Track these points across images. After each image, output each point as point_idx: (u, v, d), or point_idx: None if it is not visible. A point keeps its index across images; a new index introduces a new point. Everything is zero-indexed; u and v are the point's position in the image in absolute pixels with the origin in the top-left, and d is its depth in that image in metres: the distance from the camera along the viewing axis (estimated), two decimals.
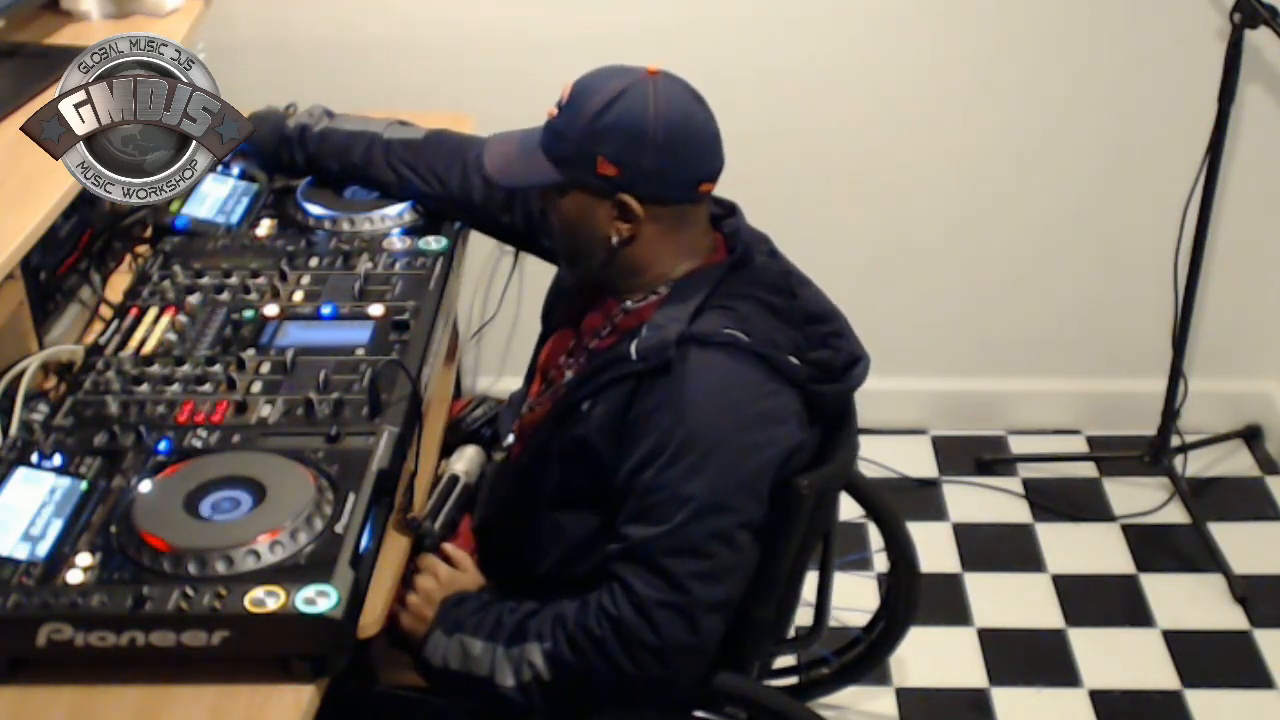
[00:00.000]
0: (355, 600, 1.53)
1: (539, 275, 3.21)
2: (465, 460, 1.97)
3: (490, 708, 1.70)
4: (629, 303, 1.77)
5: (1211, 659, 2.62)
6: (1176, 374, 2.89)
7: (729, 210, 1.84)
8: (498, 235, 2.22)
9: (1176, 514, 2.94)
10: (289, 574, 1.52)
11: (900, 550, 2.19)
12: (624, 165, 1.67)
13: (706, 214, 1.78)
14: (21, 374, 1.85)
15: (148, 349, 1.90)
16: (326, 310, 1.98)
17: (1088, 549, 2.89)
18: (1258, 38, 2.63)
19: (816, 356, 1.73)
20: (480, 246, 2.99)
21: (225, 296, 2.01)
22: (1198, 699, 2.53)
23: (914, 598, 2.22)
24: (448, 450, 2.03)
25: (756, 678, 1.94)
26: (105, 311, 2.11)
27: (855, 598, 2.60)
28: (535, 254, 2.18)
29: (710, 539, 1.62)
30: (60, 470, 1.67)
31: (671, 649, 1.62)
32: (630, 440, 1.65)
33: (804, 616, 2.11)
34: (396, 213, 2.19)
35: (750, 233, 1.82)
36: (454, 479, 1.93)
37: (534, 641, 1.66)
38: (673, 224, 1.73)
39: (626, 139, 1.66)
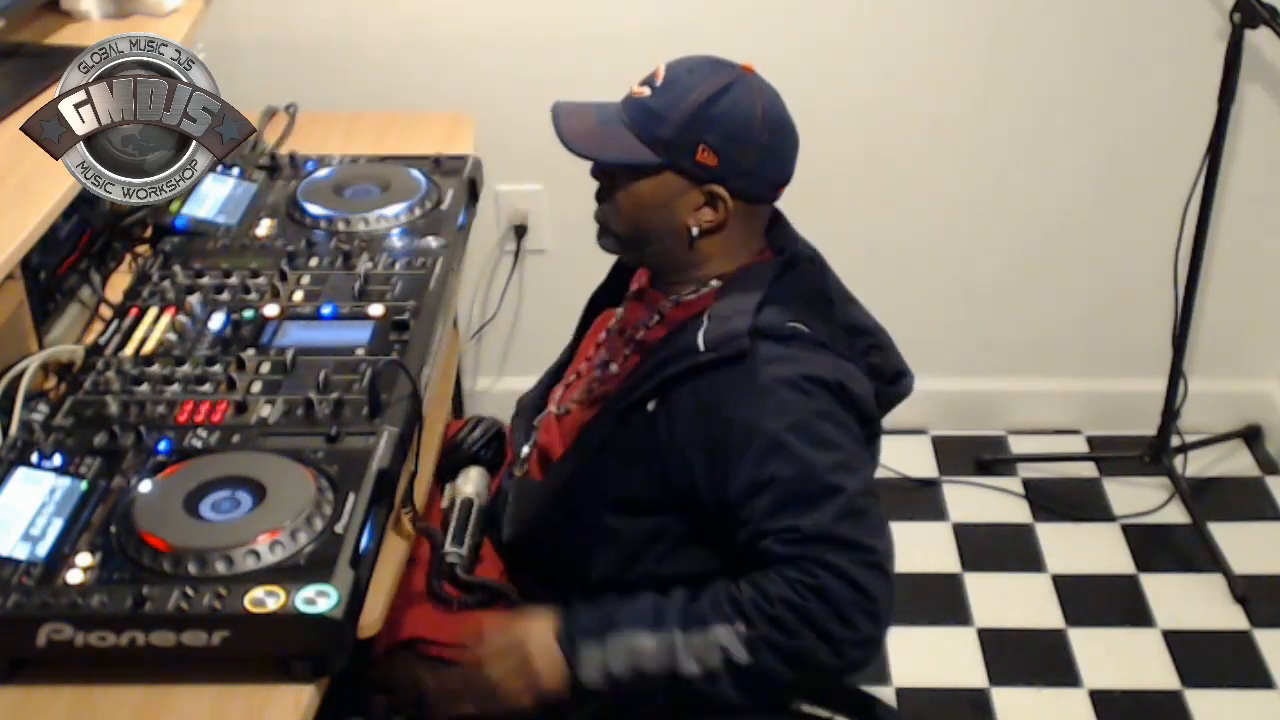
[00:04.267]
0: (355, 600, 1.53)
1: (539, 275, 3.21)
2: (472, 482, 1.95)
3: (668, 703, 1.62)
4: (679, 295, 1.76)
5: (1211, 659, 2.62)
6: (1176, 374, 2.89)
7: (774, 217, 1.83)
8: None
9: (1176, 514, 2.94)
10: (289, 574, 1.51)
11: None
12: (725, 156, 1.66)
13: (768, 216, 1.78)
14: (21, 374, 1.85)
15: (148, 349, 1.90)
16: (326, 310, 1.97)
17: (1088, 549, 2.89)
18: (1258, 38, 2.63)
19: (866, 362, 1.74)
20: (480, 247, 2.99)
21: (225, 296, 2.01)
22: (1198, 699, 2.53)
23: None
24: (450, 473, 2.00)
25: None
26: (105, 311, 2.11)
27: None
28: None
29: (859, 496, 1.60)
30: (60, 470, 1.67)
31: (881, 601, 1.58)
32: (728, 452, 1.61)
33: None
34: (396, 213, 2.19)
35: (801, 242, 1.83)
36: (469, 502, 1.91)
37: (721, 624, 1.58)
38: (747, 221, 1.73)
39: (733, 131, 1.66)
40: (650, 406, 1.67)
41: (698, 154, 1.66)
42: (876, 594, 1.57)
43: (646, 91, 1.70)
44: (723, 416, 1.62)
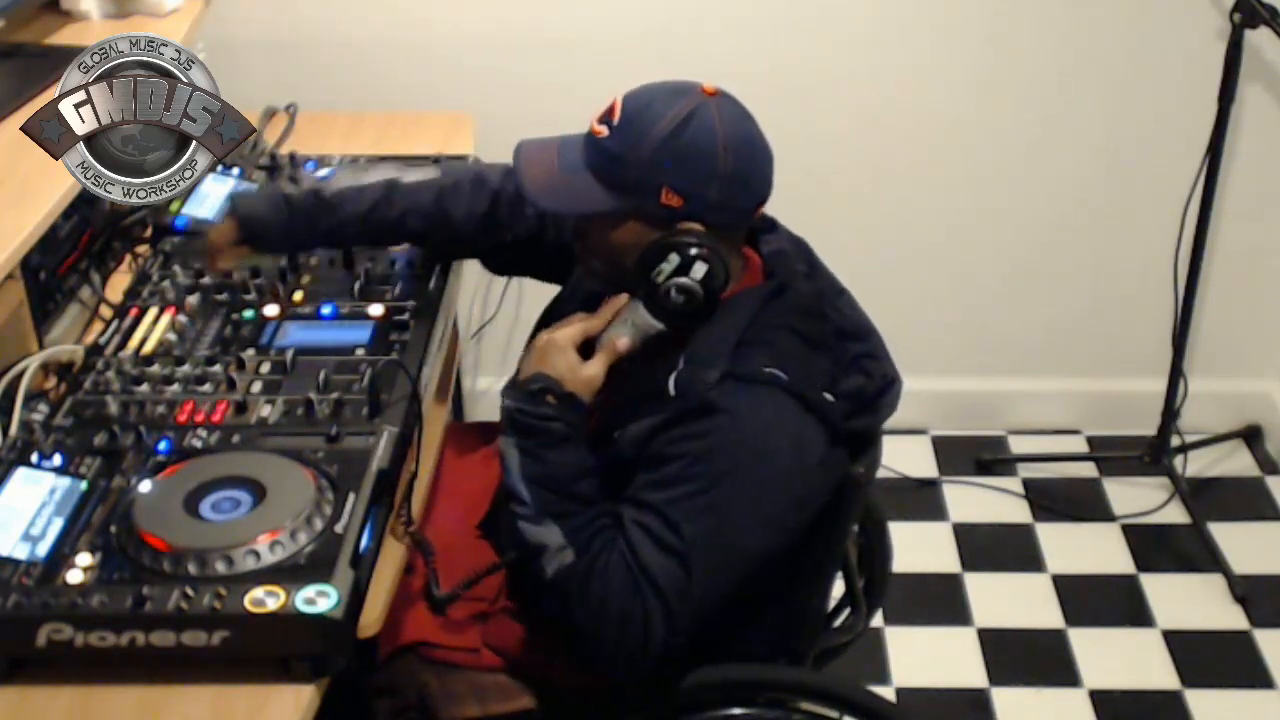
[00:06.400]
0: (355, 600, 1.53)
1: None
2: None
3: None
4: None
5: (1211, 659, 2.62)
6: (1176, 374, 2.89)
7: (767, 225, 1.78)
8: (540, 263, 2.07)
9: (1176, 514, 2.94)
10: (289, 574, 1.52)
11: (875, 535, 2.12)
12: (690, 196, 1.60)
13: (744, 234, 1.73)
14: (21, 374, 1.85)
15: (148, 349, 1.91)
16: (326, 310, 1.98)
17: (1088, 549, 2.89)
18: (1258, 38, 2.63)
19: (849, 385, 1.69)
20: None
21: (225, 296, 2.02)
22: (1198, 699, 2.53)
23: (884, 580, 2.15)
24: None
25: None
26: (105, 311, 2.11)
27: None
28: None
29: (702, 571, 1.57)
30: (60, 470, 1.67)
31: (641, 664, 1.57)
32: (653, 460, 1.60)
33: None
34: None
35: (789, 246, 1.77)
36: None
37: (565, 538, 1.58)
38: (724, 249, 1.67)
39: (695, 170, 1.59)
40: (615, 435, 1.65)
41: (661, 197, 1.60)
42: (650, 654, 1.56)
43: (605, 130, 1.62)
44: (664, 438, 1.60)
